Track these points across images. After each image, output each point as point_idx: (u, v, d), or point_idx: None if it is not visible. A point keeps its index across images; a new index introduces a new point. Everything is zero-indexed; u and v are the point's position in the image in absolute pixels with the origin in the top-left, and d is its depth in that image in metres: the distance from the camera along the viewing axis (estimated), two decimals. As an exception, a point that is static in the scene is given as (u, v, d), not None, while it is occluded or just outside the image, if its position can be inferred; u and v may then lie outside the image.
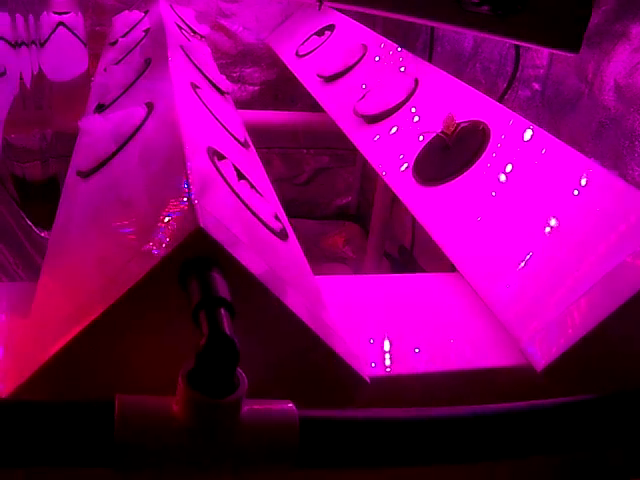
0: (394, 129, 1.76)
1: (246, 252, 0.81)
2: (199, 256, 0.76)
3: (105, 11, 3.08)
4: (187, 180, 0.90)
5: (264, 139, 3.25)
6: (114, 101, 1.65)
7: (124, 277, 0.80)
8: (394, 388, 1.00)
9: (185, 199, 0.85)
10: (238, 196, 1.06)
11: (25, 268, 2.14)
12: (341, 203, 3.59)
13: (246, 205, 1.06)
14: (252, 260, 0.81)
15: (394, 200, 2.71)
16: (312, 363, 0.88)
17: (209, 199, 0.89)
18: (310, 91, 2.37)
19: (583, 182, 1.21)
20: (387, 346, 1.07)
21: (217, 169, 1.08)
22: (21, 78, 2.34)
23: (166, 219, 0.85)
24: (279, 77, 3.25)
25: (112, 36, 2.56)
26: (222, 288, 0.72)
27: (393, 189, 1.59)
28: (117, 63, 2.09)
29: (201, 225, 0.76)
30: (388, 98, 1.85)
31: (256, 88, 3.30)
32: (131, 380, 0.83)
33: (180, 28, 2.35)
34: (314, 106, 2.43)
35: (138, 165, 1.14)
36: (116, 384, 0.82)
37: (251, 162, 1.44)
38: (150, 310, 0.79)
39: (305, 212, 3.51)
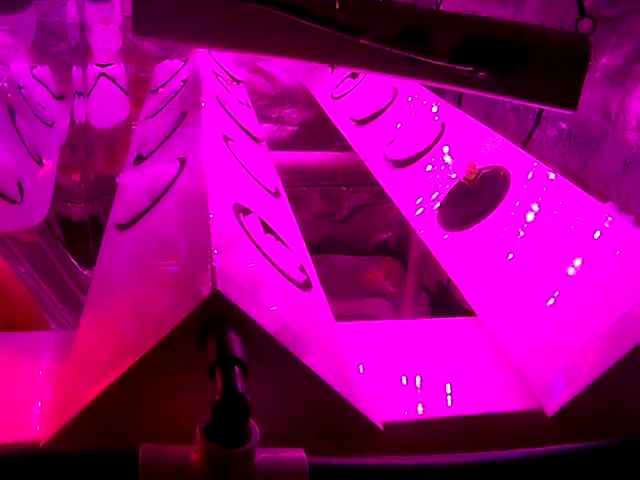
0: (420, 174, 1.82)
1: (262, 310, 0.88)
2: (217, 316, 0.82)
3: (149, 58, 3.20)
4: (209, 240, 0.97)
5: (303, 178, 3.34)
6: (151, 153, 1.73)
7: (149, 335, 0.87)
8: (406, 434, 1.05)
9: (206, 261, 0.91)
10: (261, 251, 1.13)
11: (68, 305, 2.22)
12: (380, 239, 3.64)
13: (269, 259, 1.12)
14: (268, 318, 0.87)
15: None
16: (326, 412, 0.94)
17: (229, 259, 0.95)
18: (343, 134, 2.44)
19: (600, 230, 1.25)
20: (400, 392, 1.12)
21: (242, 225, 1.14)
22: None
23: (190, 279, 0.92)
24: (317, 117, 3.32)
25: (153, 84, 2.66)
26: (237, 347, 0.78)
27: (417, 233, 1.65)
28: (156, 114, 2.19)
29: (219, 288, 0.83)
30: (416, 143, 1.91)
31: (295, 128, 3.39)
32: (156, 428, 0.89)
33: (217, 75, 2.43)
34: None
35: (168, 222, 1.22)
36: (144, 431, 0.89)
37: (280, 212, 1.51)
38: (172, 366, 0.86)
39: (345, 248, 3.57)
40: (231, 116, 1.95)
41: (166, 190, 1.34)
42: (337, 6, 1.00)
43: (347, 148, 3.02)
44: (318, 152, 3.30)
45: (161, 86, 2.55)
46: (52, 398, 1.01)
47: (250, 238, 1.13)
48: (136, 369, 0.86)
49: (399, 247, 3.61)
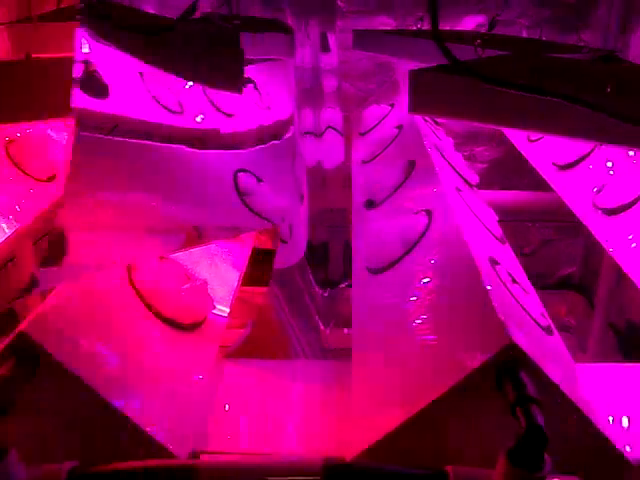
0: (632, 221, 1.92)
1: (539, 355, 1.04)
2: (509, 362, 0.99)
3: (348, 99, 3.43)
4: (487, 297, 1.14)
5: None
6: (384, 200, 1.92)
7: (447, 375, 1.04)
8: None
9: (494, 316, 1.08)
10: (516, 300, 1.28)
11: (303, 321, 2.42)
12: (564, 273, 3.73)
13: (522, 307, 1.28)
14: (550, 366, 1.03)
15: (622, 274, 2.83)
16: (588, 447, 1.09)
17: (507, 312, 1.12)
18: (545, 177, 2.55)
19: None
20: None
21: (499, 278, 1.31)
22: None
23: (480, 331, 1.09)
24: (507, 155, 3.45)
25: (362, 127, 2.86)
26: (531, 388, 0.95)
27: (637, 284, 1.75)
28: (373, 159, 2.38)
29: (514, 340, 0.99)
30: (626, 191, 2.01)
31: (485, 166, 3.53)
32: (449, 455, 1.06)
33: (425, 121, 2.60)
34: (540, 182, 2.62)
35: (431, 274, 1.39)
36: (437, 458, 1.06)
37: (511, 259, 1.66)
38: (469, 403, 1.03)
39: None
40: (451, 165, 2.11)
41: (418, 240, 1.51)
42: (608, 89, 1.15)
43: (537, 186, 3.14)
44: (508, 192, 3.43)
45: (369, 130, 2.74)
46: (349, 424, 1.20)
47: (507, 289, 1.29)
48: (436, 405, 1.03)
49: (582, 282, 3.68)
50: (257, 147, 1.92)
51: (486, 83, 1.20)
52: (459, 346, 1.10)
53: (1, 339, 3.16)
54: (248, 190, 1.71)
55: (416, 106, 1.33)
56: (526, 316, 1.26)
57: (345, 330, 3.29)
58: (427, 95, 1.32)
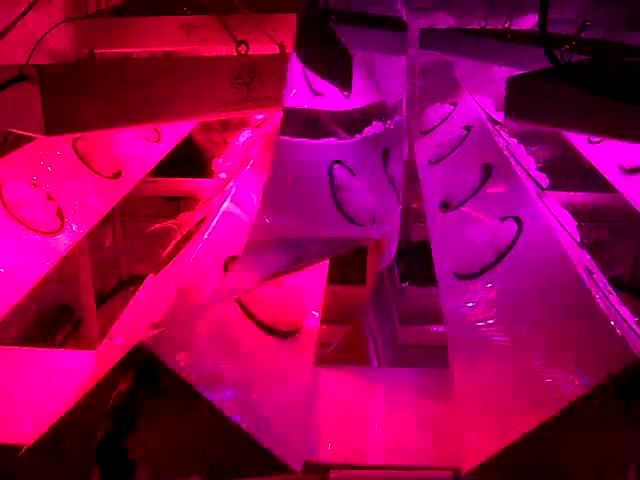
0: None
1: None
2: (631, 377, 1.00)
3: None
4: (600, 310, 1.15)
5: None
6: (462, 203, 1.92)
7: (564, 390, 1.05)
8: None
9: (607, 329, 1.08)
10: (617, 311, 1.28)
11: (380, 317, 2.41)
12: (615, 274, 3.71)
13: (623, 318, 1.28)
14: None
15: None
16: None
17: (618, 322, 1.11)
18: (610, 180, 2.53)
19: None
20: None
21: (599, 288, 1.30)
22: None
23: (591, 344, 1.10)
24: (562, 156, 3.44)
25: (424, 126, 2.86)
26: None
27: None
28: (443, 159, 2.38)
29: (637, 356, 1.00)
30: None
31: (539, 166, 3.51)
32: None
33: (495, 123, 2.58)
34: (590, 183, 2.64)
35: (530, 285, 1.39)
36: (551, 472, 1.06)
37: (593, 265, 1.65)
38: (587, 418, 1.04)
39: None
40: (524, 168, 2.11)
41: (510, 248, 1.51)
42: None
43: (589, 186, 3.12)
44: (565, 193, 3.42)
45: (432, 129, 2.74)
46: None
47: (608, 300, 1.29)
48: (554, 419, 1.04)
49: (633, 283, 3.67)
50: (352, 139, 1.89)
51: (594, 93, 1.20)
52: (570, 359, 1.11)
53: (58, 331, 3.16)
54: (342, 184, 1.68)
55: (513, 112, 1.34)
56: (628, 328, 1.26)
57: (415, 327, 3.30)
58: (525, 102, 1.33)
